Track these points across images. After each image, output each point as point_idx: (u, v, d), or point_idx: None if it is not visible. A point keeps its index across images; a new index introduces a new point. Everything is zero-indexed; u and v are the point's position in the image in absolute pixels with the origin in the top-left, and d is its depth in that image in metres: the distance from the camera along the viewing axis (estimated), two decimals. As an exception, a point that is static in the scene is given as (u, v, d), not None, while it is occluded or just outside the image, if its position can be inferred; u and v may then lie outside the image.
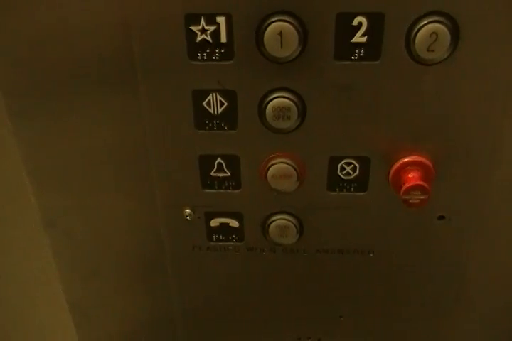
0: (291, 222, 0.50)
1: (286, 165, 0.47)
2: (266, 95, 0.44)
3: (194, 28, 0.42)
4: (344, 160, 0.47)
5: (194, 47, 0.42)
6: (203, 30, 0.42)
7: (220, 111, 0.45)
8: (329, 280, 0.55)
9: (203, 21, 0.41)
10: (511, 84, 0.43)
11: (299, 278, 0.55)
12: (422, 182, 0.45)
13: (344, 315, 0.58)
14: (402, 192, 0.45)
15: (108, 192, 0.51)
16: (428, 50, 0.41)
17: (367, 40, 0.42)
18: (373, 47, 0.42)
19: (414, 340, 0.59)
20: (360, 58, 0.42)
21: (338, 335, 0.60)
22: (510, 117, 0.44)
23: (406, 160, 0.46)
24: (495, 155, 0.46)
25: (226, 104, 0.45)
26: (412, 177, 0.46)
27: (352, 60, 0.42)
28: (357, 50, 0.42)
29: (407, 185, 0.45)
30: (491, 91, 0.43)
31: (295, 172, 0.47)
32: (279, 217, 0.51)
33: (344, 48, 0.42)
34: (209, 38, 0.42)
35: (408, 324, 0.58)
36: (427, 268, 0.53)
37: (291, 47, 0.41)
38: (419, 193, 0.45)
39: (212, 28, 0.42)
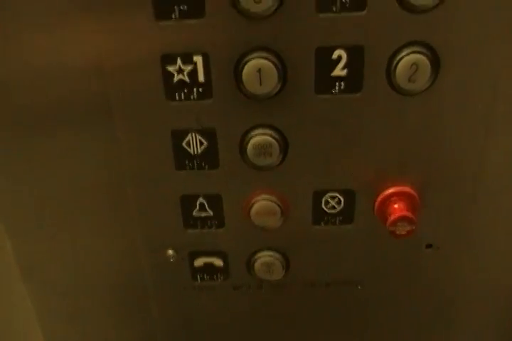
0: (277, 259, 0.49)
1: (270, 202, 0.46)
2: (246, 133, 0.43)
3: (171, 69, 0.41)
4: (328, 194, 0.46)
5: (171, 88, 0.41)
6: (180, 70, 0.41)
7: (200, 150, 0.44)
8: (318, 313, 0.54)
9: (179, 61, 0.40)
10: (492, 113, 0.42)
11: (287, 313, 0.54)
12: (408, 213, 0.44)
13: (335, 347, 0.57)
14: (388, 223, 0.45)
15: (88, 236, 0.50)
16: (409, 81, 0.40)
17: (347, 73, 0.41)
18: (354, 80, 0.41)
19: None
20: (341, 91, 0.42)
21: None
22: (493, 146, 0.44)
23: (391, 191, 0.46)
24: (479, 183, 0.46)
25: (206, 143, 0.44)
26: (398, 207, 0.45)
27: (333, 93, 0.42)
28: (338, 83, 0.41)
29: (393, 216, 0.44)
30: (473, 121, 0.43)
31: (279, 209, 0.46)
32: (264, 253, 0.49)
33: (325, 82, 0.41)
34: (186, 78, 0.41)
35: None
36: (417, 297, 0.53)
37: (270, 84, 0.40)
38: (406, 224, 0.44)
39: (189, 67, 0.40)
